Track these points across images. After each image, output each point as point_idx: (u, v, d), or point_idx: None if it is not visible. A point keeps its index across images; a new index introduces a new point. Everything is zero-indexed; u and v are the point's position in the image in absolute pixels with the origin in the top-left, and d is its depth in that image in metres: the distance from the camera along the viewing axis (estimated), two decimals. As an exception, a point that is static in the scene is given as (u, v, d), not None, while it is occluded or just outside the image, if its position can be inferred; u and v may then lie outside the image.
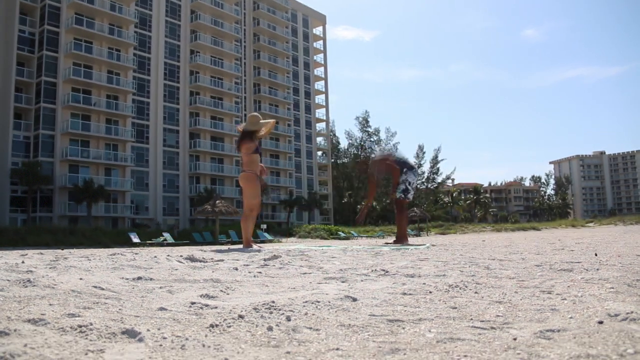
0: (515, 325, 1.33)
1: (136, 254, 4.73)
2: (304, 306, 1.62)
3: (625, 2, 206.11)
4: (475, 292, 1.96)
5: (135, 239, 25.27)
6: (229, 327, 1.32)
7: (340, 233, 38.65)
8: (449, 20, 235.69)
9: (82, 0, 42.28)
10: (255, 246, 6.28)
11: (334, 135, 77.32)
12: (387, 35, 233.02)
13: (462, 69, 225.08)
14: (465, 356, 1.04)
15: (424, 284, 2.22)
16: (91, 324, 1.29)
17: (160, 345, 1.13)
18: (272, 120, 6.88)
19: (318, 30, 73.41)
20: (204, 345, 1.13)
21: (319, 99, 72.28)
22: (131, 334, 1.21)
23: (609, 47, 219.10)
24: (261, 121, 6.64)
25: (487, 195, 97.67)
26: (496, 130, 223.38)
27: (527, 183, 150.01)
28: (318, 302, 1.69)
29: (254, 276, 2.62)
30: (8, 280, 2.16)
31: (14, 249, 16.22)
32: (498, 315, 1.48)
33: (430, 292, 1.96)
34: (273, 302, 1.66)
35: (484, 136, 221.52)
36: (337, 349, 1.11)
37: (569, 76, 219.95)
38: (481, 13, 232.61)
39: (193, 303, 1.67)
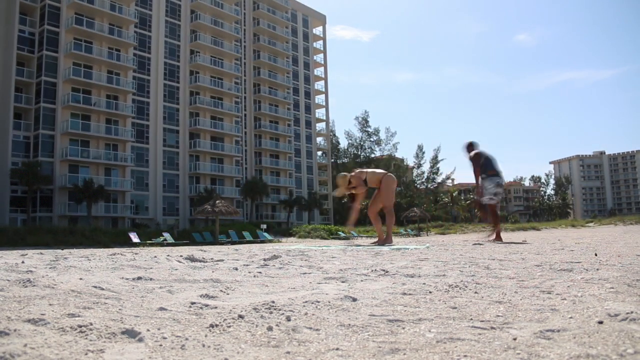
0: (515, 325, 1.33)
1: (136, 254, 4.74)
2: (304, 306, 1.62)
3: (617, 7, 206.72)
4: (475, 292, 1.96)
5: (135, 239, 25.24)
6: (229, 327, 1.32)
7: (340, 233, 38.59)
8: (443, 23, 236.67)
9: (82, 0, 42.29)
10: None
11: (334, 135, 77.34)
12: (385, 36, 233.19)
13: (456, 73, 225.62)
14: (465, 356, 1.04)
15: (424, 284, 2.22)
16: (91, 324, 1.29)
17: (160, 345, 1.13)
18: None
19: (318, 30, 73.42)
20: (204, 345, 1.13)
21: (319, 99, 72.28)
22: (131, 334, 1.21)
23: (599, 51, 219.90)
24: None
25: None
26: (495, 130, 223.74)
27: (527, 183, 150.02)
28: (318, 302, 1.69)
29: (254, 276, 2.62)
30: (8, 280, 2.16)
31: (14, 249, 16.21)
32: (498, 315, 1.48)
33: (430, 292, 1.95)
34: (273, 302, 1.66)
35: (483, 136, 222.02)
36: (337, 349, 1.11)
37: (562, 79, 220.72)
38: (474, 18, 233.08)
39: (193, 303, 1.67)
